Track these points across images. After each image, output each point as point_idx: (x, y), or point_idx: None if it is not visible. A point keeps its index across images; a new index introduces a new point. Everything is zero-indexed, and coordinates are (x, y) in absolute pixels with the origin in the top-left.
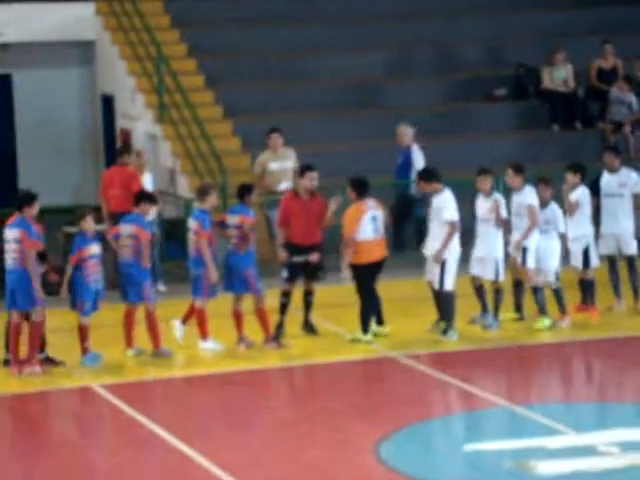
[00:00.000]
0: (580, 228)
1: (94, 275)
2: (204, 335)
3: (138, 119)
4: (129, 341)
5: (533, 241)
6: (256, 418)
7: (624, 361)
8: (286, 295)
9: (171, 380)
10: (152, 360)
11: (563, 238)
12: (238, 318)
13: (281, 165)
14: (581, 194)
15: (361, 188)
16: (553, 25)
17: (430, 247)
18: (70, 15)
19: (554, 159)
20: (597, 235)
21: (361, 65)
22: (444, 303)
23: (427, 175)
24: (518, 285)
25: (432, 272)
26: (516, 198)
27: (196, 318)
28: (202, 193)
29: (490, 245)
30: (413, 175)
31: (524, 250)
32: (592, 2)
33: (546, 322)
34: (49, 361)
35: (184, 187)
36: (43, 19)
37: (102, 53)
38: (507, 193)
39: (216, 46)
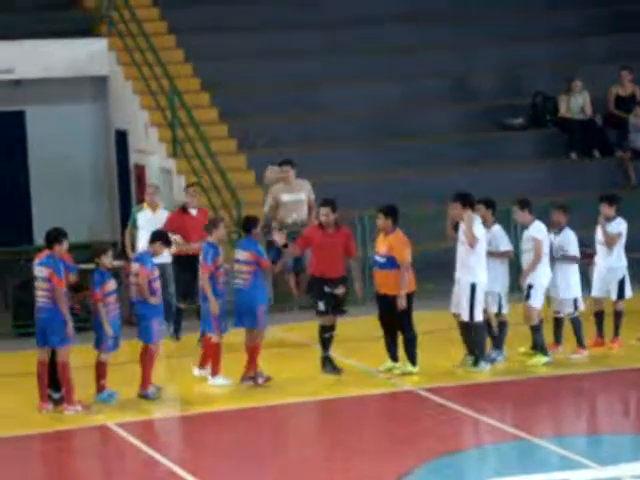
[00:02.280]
0: (618, 259)
1: (114, 312)
2: (215, 371)
3: (152, 154)
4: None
5: (542, 278)
6: (272, 455)
7: None
8: (328, 329)
9: (186, 417)
10: (167, 397)
11: (575, 259)
12: (252, 352)
13: (294, 197)
14: (622, 226)
15: (396, 215)
16: (569, 53)
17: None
18: (82, 50)
19: (572, 188)
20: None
21: (376, 96)
22: (476, 334)
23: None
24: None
25: (459, 304)
26: (526, 234)
27: (208, 353)
28: (210, 225)
29: (492, 278)
30: None
31: (529, 287)
32: (608, 29)
33: (543, 360)
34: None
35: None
36: (55, 55)
37: (115, 88)
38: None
39: (229, 79)
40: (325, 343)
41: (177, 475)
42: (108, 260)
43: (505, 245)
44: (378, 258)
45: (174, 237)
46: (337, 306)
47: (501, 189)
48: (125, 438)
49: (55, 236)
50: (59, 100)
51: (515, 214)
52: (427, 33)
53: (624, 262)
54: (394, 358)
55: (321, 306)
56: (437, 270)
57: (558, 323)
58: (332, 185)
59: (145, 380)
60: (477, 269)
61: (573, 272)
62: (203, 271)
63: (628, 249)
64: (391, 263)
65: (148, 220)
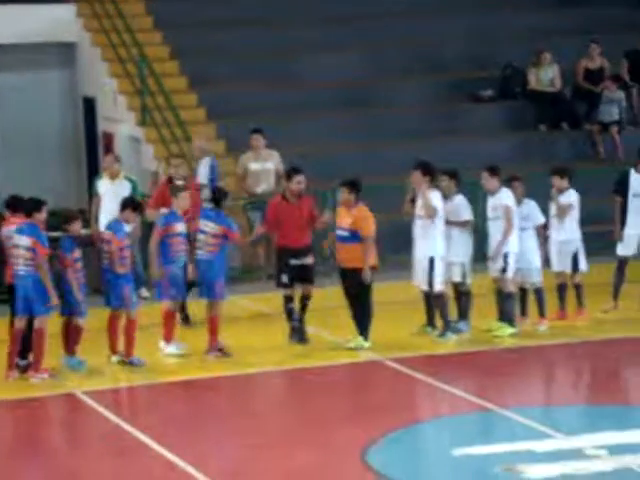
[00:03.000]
0: (570, 232)
1: (82, 279)
2: (168, 338)
3: (120, 122)
4: (113, 347)
5: (514, 245)
6: (241, 424)
7: (612, 363)
8: (290, 299)
9: (154, 386)
10: (134, 367)
11: (544, 229)
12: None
13: (262, 166)
14: (573, 197)
15: (359, 189)
16: (539, 25)
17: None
18: (50, 17)
19: (541, 160)
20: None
21: (346, 66)
22: (437, 305)
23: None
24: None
25: (419, 275)
26: (492, 201)
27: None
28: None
29: (455, 248)
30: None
31: (505, 256)
32: (578, 2)
33: (509, 331)
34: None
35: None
36: (23, 21)
37: (83, 55)
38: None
39: (199, 48)
40: (290, 314)
41: (143, 443)
42: (78, 227)
43: (467, 215)
44: (341, 232)
45: (161, 210)
46: (307, 276)
47: (470, 160)
48: (92, 406)
49: (34, 204)
50: (26, 66)
51: (484, 180)
52: (399, 3)
53: (577, 235)
54: (366, 336)
55: (284, 278)
56: (409, 241)
57: (524, 294)
58: (302, 156)
59: (129, 347)
60: (436, 241)
61: (537, 242)
62: (154, 235)
63: (596, 221)
64: (355, 237)
65: (107, 189)
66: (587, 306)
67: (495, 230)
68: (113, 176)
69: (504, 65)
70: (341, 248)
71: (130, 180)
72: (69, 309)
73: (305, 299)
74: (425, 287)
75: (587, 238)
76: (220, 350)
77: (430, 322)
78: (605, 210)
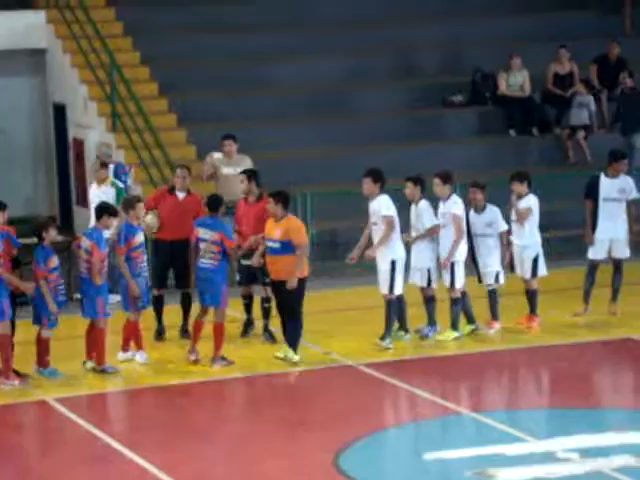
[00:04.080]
0: (530, 237)
1: (58, 287)
2: (139, 346)
3: (91, 128)
4: (89, 354)
5: (462, 253)
6: (212, 430)
7: (581, 367)
8: (246, 297)
9: (125, 392)
10: (107, 375)
11: (506, 235)
12: (198, 330)
13: (234, 170)
14: (532, 202)
15: (287, 201)
16: (509, 31)
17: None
18: (20, 23)
19: (511, 164)
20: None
21: (317, 72)
22: (388, 309)
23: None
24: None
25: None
26: (442, 208)
27: (129, 333)
28: (127, 206)
29: (420, 253)
30: None
31: (452, 265)
32: (547, 8)
33: (453, 334)
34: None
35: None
36: None
37: (53, 61)
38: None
39: (169, 53)
40: (264, 312)
41: (115, 450)
42: (54, 234)
43: (430, 221)
44: (271, 244)
45: (148, 216)
46: (254, 276)
47: (441, 165)
48: (64, 413)
49: None
50: None
51: (436, 186)
52: (369, 9)
53: (537, 239)
54: (295, 349)
55: (237, 277)
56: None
57: (456, 304)
58: (273, 161)
59: (100, 356)
60: (395, 246)
61: (495, 246)
62: (118, 253)
63: (565, 226)
64: (286, 248)
65: (95, 195)
66: (539, 314)
67: (444, 237)
68: (100, 182)
69: (473, 70)
70: (272, 260)
71: (115, 186)
72: (38, 319)
73: (262, 302)
74: (385, 290)
75: (557, 242)
76: (224, 359)
77: (402, 326)
78: (575, 214)
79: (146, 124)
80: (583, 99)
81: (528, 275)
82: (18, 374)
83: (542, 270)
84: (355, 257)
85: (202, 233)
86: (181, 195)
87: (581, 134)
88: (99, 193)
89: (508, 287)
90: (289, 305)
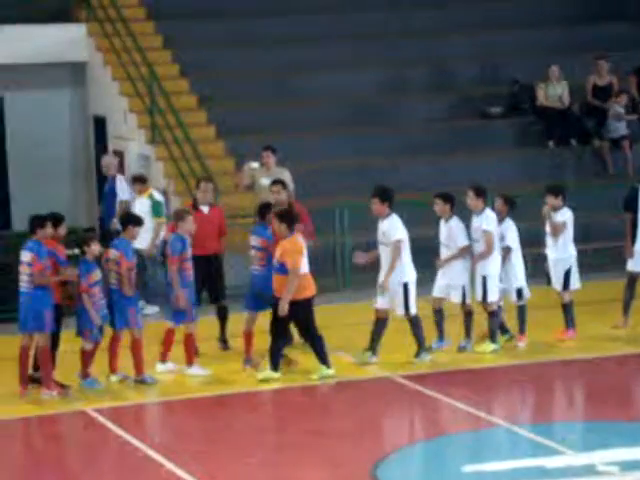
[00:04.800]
0: (564, 250)
1: (100, 301)
2: (190, 361)
3: (130, 140)
4: (112, 367)
5: (493, 268)
6: (250, 441)
7: (620, 380)
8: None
9: (164, 404)
10: (141, 385)
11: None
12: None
13: None
14: (567, 216)
15: (291, 220)
16: (546, 42)
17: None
18: (62, 36)
19: (549, 176)
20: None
21: (355, 84)
22: (413, 327)
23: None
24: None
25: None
26: (475, 222)
27: (168, 343)
28: (178, 218)
29: (456, 271)
30: (117, 205)
31: (484, 279)
32: (586, 19)
33: (491, 347)
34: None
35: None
36: (35, 40)
37: (94, 74)
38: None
39: (208, 66)
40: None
41: (154, 460)
42: (97, 248)
43: (463, 241)
44: (274, 262)
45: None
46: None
47: (479, 178)
48: (103, 424)
49: (36, 221)
50: (38, 86)
51: (468, 199)
52: (407, 20)
53: (571, 253)
54: (275, 367)
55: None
56: (424, 256)
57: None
58: (311, 172)
59: (138, 366)
60: (405, 268)
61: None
62: (170, 263)
63: (605, 237)
64: (282, 269)
65: (136, 206)
66: (577, 326)
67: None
68: (140, 193)
69: (511, 81)
70: (274, 279)
71: (152, 198)
72: (80, 331)
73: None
74: (401, 312)
75: (596, 254)
76: (251, 361)
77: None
78: (614, 226)
79: (185, 136)
80: (622, 111)
81: (560, 288)
82: (61, 385)
83: (575, 284)
84: (360, 257)
85: (252, 240)
86: (205, 209)
87: (626, 143)
88: (137, 204)
89: (544, 300)
90: (301, 329)
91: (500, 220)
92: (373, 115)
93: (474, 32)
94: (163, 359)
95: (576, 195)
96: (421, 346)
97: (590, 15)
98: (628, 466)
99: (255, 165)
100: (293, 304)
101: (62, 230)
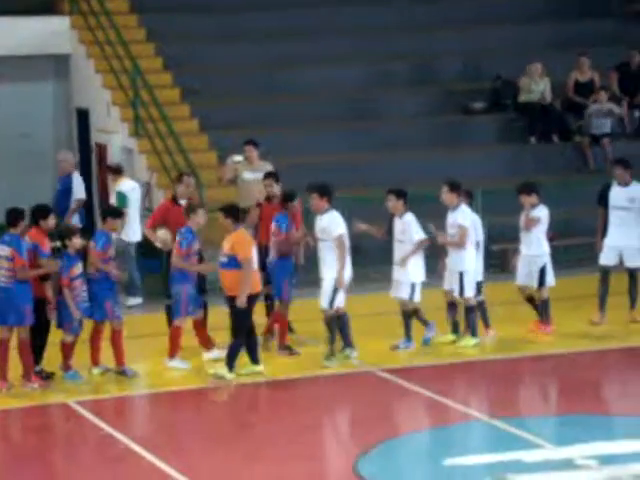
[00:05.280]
0: (538, 247)
1: (81, 294)
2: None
3: (114, 133)
4: (94, 359)
5: (469, 263)
6: (233, 434)
7: (600, 374)
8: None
9: (147, 396)
10: (126, 377)
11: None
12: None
13: (256, 176)
14: (543, 213)
15: (237, 215)
16: (529, 38)
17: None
18: (45, 29)
19: (531, 172)
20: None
21: (338, 79)
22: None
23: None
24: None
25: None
26: (451, 217)
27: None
28: (189, 211)
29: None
30: (72, 203)
31: (461, 274)
32: (567, 15)
33: (473, 341)
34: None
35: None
36: (17, 33)
37: (77, 67)
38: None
39: (192, 59)
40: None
41: (136, 453)
42: (78, 242)
43: (418, 234)
44: (221, 257)
45: (161, 231)
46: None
47: (462, 173)
48: (84, 416)
49: (13, 215)
50: (20, 78)
51: (442, 193)
52: (391, 16)
53: (545, 250)
54: (231, 367)
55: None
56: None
57: (482, 307)
58: (294, 167)
59: (119, 358)
60: (334, 266)
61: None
62: (176, 254)
63: (583, 233)
64: (232, 262)
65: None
66: (554, 320)
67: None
68: (112, 182)
69: (494, 77)
70: (221, 275)
71: (117, 192)
72: (60, 324)
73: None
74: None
75: (575, 250)
76: (288, 349)
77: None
78: (593, 221)
79: (168, 129)
80: (602, 107)
81: (536, 285)
82: (47, 374)
83: (550, 280)
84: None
85: (274, 228)
86: (185, 203)
87: (606, 140)
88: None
89: (505, 296)
90: (232, 322)
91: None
92: (356, 110)
93: (457, 28)
94: (208, 347)
95: (556, 191)
96: (331, 344)
97: (573, 12)
98: (607, 460)
99: (238, 159)
100: (234, 298)
101: (50, 222)
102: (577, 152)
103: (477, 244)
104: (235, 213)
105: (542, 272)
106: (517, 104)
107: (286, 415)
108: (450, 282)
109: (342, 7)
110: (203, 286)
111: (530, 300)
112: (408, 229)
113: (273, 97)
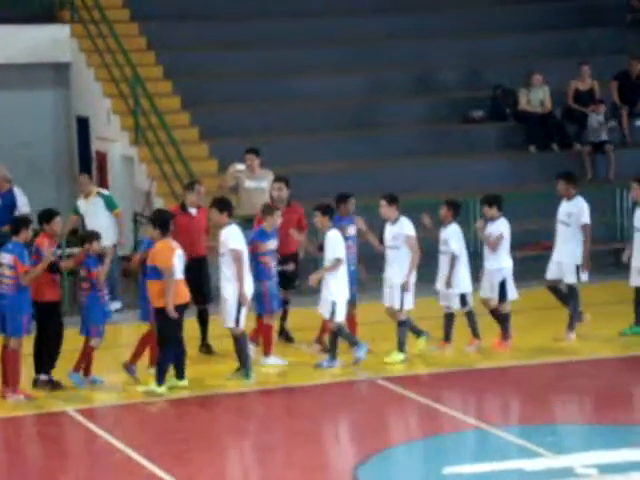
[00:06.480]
0: (499, 261)
1: (105, 298)
2: (267, 351)
3: (114, 141)
4: (82, 368)
5: (411, 276)
6: (233, 442)
7: (601, 382)
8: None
9: (146, 404)
10: (126, 385)
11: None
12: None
13: (257, 184)
14: (503, 226)
15: (166, 224)
16: (529, 47)
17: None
18: (45, 37)
19: (531, 180)
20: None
21: (338, 87)
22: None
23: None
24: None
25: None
26: (391, 229)
27: (264, 334)
28: (265, 213)
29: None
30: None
31: (402, 287)
32: (567, 24)
33: (400, 356)
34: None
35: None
36: (18, 41)
37: (77, 75)
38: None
39: (192, 68)
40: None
41: (135, 462)
42: (99, 246)
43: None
44: (148, 267)
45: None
46: (288, 282)
47: (462, 181)
48: (84, 424)
49: (19, 223)
50: (21, 86)
51: (381, 207)
52: (391, 25)
53: (505, 265)
54: (161, 381)
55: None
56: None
57: (449, 318)
58: (296, 175)
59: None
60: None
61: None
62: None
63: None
64: (153, 273)
65: (84, 208)
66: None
67: (397, 259)
68: (86, 195)
69: (494, 86)
70: (147, 286)
71: (102, 195)
72: (86, 329)
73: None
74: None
75: (592, 255)
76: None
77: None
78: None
79: (168, 138)
80: (600, 117)
81: (496, 298)
82: (55, 383)
83: (512, 294)
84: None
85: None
86: (194, 212)
87: (609, 147)
88: (87, 206)
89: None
90: (159, 333)
91: (444, 226)
92: (357, 118)
93: (458, 37)
94: (267, 353)
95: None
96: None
97: (573, 21)
98: (606, 469)
99: (240, 167)
100: (163, 310)
101: (55, 226)
102: (577, 161)
103: (453, 256)
104: (163, 223)
105: (502, 286)
106: (517, 113)
107: (285, 423)
108: (450, 297)
109: (343, 16)
110: (205, 291)
111: (494, 313)
112: (400, 233)
113: (274, 105)
